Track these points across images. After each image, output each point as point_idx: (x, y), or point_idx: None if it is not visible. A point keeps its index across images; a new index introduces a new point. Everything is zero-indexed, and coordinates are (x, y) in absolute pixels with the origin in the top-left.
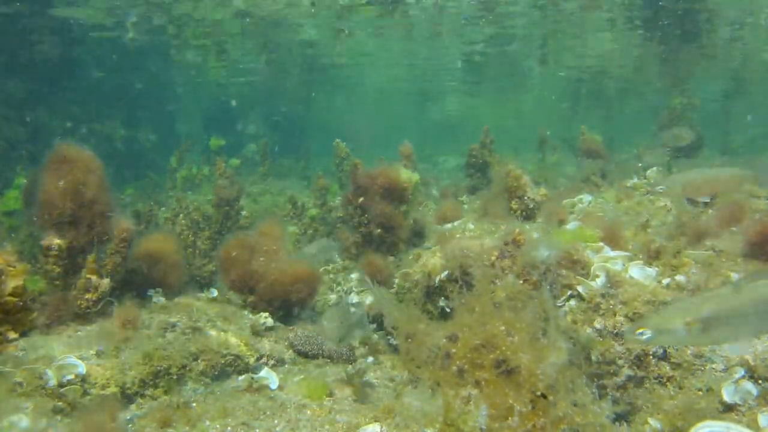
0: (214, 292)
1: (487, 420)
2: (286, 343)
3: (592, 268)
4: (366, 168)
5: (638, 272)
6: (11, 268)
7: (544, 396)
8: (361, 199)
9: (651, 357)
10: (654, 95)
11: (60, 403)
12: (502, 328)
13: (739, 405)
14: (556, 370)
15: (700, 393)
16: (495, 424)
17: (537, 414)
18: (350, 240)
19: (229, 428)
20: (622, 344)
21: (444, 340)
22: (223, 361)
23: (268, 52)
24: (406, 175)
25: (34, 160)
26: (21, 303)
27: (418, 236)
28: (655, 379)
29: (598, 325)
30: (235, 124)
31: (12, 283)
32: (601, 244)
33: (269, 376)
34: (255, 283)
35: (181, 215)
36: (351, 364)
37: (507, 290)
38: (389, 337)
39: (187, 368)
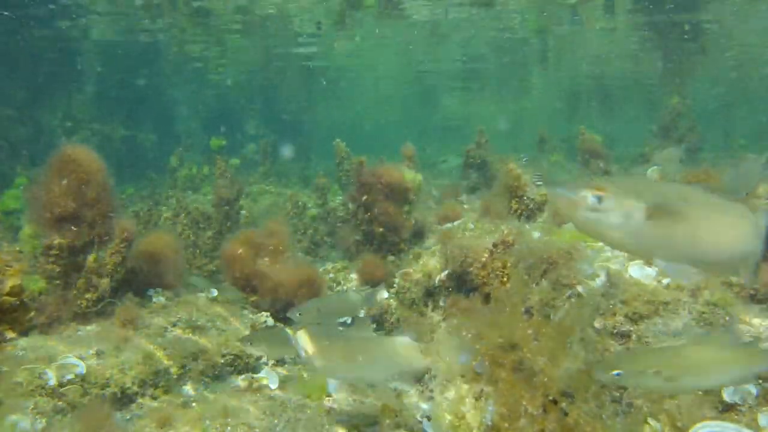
0: (214, 292)
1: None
2: None
3: None
4: (369, 166)
5: (638, 272)
6: (8, 268)
7: (555, 402)
8: (366, 196)
9: None
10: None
11: (60, 403)
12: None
13: (739, 405)
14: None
15: (700, 393)
16: (504, 423)
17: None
18: (351, 239)
19: (229, 428)
20: (622, 344)
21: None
22: (223, 361)
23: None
24: (410, 176)
25: (34, 160)
26: (18, 302)
27: (418, 236)
28: None
29: (597, 325)
30: (237, 123)
31: (9, 282)
32: (601, 243)
33: (269, 376)
34: (258, 283)
35: (182, 215)
36: None
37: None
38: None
39: (187, 368)
